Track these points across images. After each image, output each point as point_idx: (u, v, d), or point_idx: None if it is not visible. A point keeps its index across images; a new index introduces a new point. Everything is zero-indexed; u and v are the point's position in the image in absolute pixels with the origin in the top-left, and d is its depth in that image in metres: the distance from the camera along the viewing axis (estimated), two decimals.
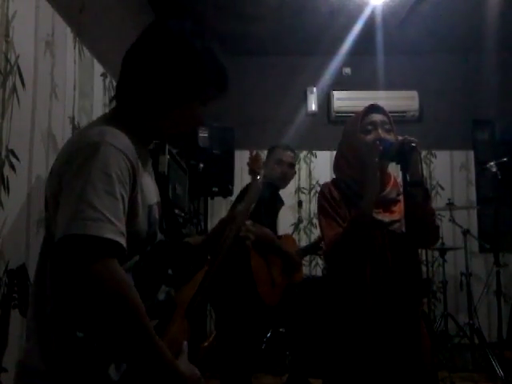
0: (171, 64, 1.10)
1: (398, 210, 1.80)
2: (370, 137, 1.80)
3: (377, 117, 1.83)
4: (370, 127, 1.81)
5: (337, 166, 1.95)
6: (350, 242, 1.73)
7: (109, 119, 1.11)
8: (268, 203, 2.75)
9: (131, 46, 1.15)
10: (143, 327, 0.94)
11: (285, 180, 3.07)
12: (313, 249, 3.34)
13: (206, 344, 1.19)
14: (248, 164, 1.58)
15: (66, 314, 0.98)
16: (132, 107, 1.13)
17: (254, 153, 1.59)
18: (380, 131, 1.79)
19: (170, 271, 1.20)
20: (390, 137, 1.79)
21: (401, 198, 1.81)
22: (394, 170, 1.87)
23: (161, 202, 1.19)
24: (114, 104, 1.18)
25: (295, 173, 3.17)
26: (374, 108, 1.86)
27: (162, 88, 1.10)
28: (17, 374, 1.05)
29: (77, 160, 0.98)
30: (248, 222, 1.39)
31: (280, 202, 3.05)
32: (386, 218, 1.78)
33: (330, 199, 1.82)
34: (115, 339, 0.95)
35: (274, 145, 3.12)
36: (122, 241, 0.95)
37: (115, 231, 0.93)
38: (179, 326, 1.10)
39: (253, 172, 1.55)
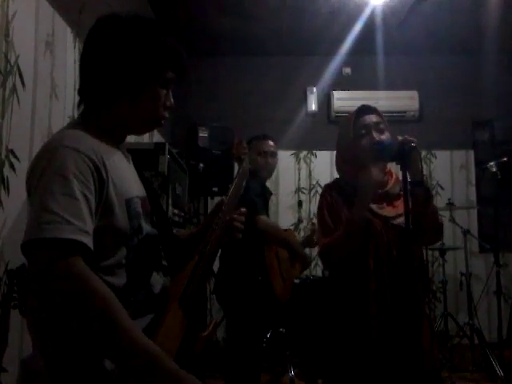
0: (123, 52, 1.11)
1: (401, 204, 1.80)
2: (364, 141, 1.80)
3: (369, 118, 1.82)
4: (363, 131, 1.81)
5: (338, 166, 1.96)
6: (343, 248, 1.74)
7: (75, 123, 1.14)
8: (259, 196, 2.75)
9: (83, 46, 1.17)
10: (116, 322, 0.93)
11: (269, 170, 3.00)
12: (307, 242, 3.35)
13: (205, 333, 1.19)
14: (233, 151, 1.60)
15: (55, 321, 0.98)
16: (97, 106, 1.14)
17: (237, 140, 1.61)
18: (374, 134, 1.79)
19: (164, 262, 1.21)
20: (385, 136, 1.79)
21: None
22: (394, 169, 1.88)
23: (147, 196, 1.20)
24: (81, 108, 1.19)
25: (277, 160, 3.12)
26: (365, 109, 1.85)
27: (119, 77, 1.11)
28: (19, 373, 1.06)
29: (38, 170, 1.00)
30: (242, 210, 1.40)
31: (269, 193, 3.04)
32: (390, 212, 1.79)
33: (330, 203, 1.83)
34: (88, 333, 0.93)
35: (250, 138, 3.07)
36: (84, 238, 0.95)
37: (73, 230, 0.94)
38: (174, 317, 1.10)
39: (238, 158, 1.56)
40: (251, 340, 2.66)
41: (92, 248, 0.97)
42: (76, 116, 2.64)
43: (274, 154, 2.99)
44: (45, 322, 1.00)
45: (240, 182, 1.48)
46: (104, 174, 1.04)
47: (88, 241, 0.96)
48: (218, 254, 2.81)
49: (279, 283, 2.77)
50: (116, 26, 1.15)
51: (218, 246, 1.29)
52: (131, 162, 1.24)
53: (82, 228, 0.95)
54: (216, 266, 2.83)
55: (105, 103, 1.14)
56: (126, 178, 1.13)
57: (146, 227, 1.15)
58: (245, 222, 1.38)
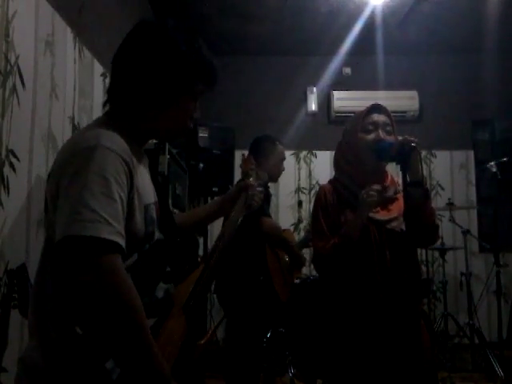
0: (157, 62, 1.11)
1: (396, 207, 1.80)
2: (370, 136, 1.79)
3: (379, 117, 1.82)
4: (371, 127, 1.81)
5: (336, 164, 1.95)
6: (336, 257, 1.76)
7: (104, 122, 1.13)
8: (264, 198, 2.77)
9: (118, 47, 1.16)
10: (139, 326, 0.95)
11: (279, 175, 3.09)
12: (306, 242, 3.36)
13: (202, 342, 1.19)
14: (240, 166, 1.64)
15: (65, 312, 1.00)
16: (125, 109, 1.14)
17: (246, 155, 1.65)
18: (380, 132, 1.79)
19: (168, 269, 1.21)
20: (390, 138, 1.79)
21: (399, 196, 1.82)
22: (394, 170, 1.87)
23: (158, 201, 1.20)
24: (107, 107, 1.19)
25: None
26: (376, 108, 1.85)
27: (151, 87, 1.11)
28: (18, 371, 1.06)
29: (73, 164, 0.99)
30: (260, 189, 1.54)
31: (270, 195, 3.09)
32: (383, 216, 1.78)
33: (325, 205, 1.83)
34: (110, 336, 0.95)
35: (273, 138, 3.08)
36: (120, 241, 0.96)
37: (113, 232, 0.94)
38: (176, 322, 1.11)
39: (246, 174, 1.60)
40: (252, 340, 2.66)
41: (125, 251, 0.98)
42: (76, 115, 2.66)
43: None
44: (57, 315, 1.00)
45: (244, 201, 1.52)
46: (135, 179, 1.05)
47: (123, 243, 0.97)
48: None
49: (281, 283, 2.77)
50: (157, 34, 1.14)
51: (223, 255, 1.32)
52: (147, 164, 1.24)
53: (118, 230, 0.96)
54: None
55: (134, 109, 1.13)
56: (146, 184, 1.14)
57: (157, 233, 1.16)
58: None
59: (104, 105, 1.18)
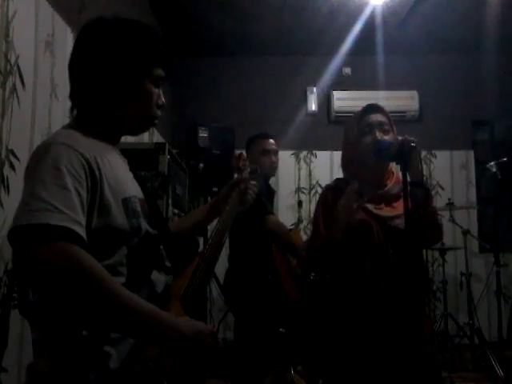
0: (109, 53, 1.13)
1: (401, 205, 1.79)
2: (367, 139, 1.79)
3: (374, 117, 1.81)
4: (367, 129, 1.80)
5: (342, 165, 1.95)
6: (324, 256, 1.75)
7: (69, 125, 1.16)
8: (265, 194, 2.76)
9: (71, 53, 1.18)
10: (110, 292, 0.93)
11: (273, 169, 3.00)
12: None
13: None
14: (233, 162, 1.65)
15: (57, 309, 0.99)
16: (91, 109, 1.16)
17: (237, 153, 1.67)
18: (377, 133, 1.78)
19: (167, 263, 1.21)
20: (389, 137, 1.78)
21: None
22: (394, 170, 1.88)
23: (144, 197, 1.20)
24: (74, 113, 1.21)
25: (278, 158, 3.09)
26: (371, 108, 1.84)
27: (109, 78, 1.13)
28: (26, 378, 1.06)
29: (31, 163, 1.02)
30: (254, 182, 1.54)
31: (273, 191, 3.06)
32: (387, 213, 1.78)
33: (327, 205, 1.83)
34: (90, 316, 0.95)
35: (258, 134, 3.04)
36: (75, 227, 0.94)
37: (65, 218, 0.93)
38: (176, 314, 1.10)
39: (239, 170, 1.61)
40: (262, 340, 2.65)
41: (85, 238, 0.96)
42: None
43: (276, 152, 3.00)
44: (47, 314, 1.00)
45: (237, 196, 1.52)
46: (97, 174, 1.05)
47: (80, 230, 0.95)
48: (227, 256, 2.82)
49: (289, 282, 2.77)
50: (102, 29, 1.17)
51: (219, 249, 1.33)
52: (127, 163, 1.25)
53: (74, 218, 0.94)
54: (222, 267, 2.83)
55: (98, 105, 1.15)
56: (121, 177, 1.13)
57: (146, 226, 1.16)
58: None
59: (71, 111, 1.19)
